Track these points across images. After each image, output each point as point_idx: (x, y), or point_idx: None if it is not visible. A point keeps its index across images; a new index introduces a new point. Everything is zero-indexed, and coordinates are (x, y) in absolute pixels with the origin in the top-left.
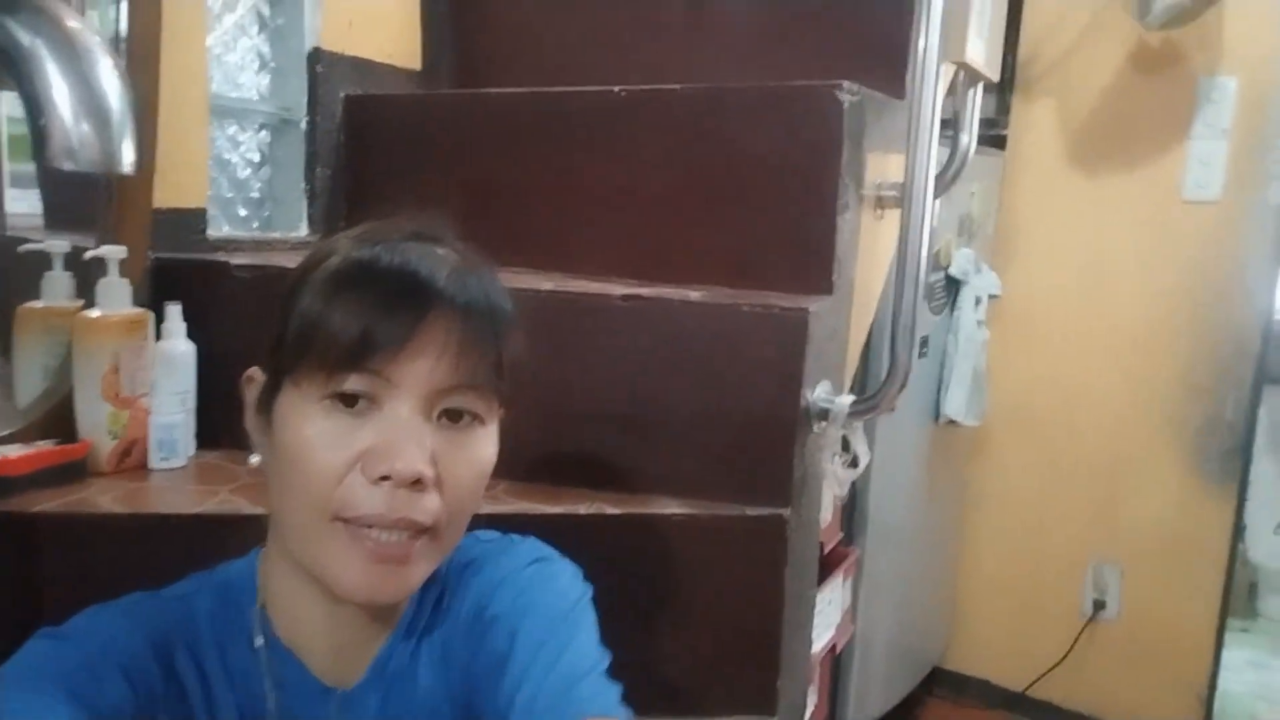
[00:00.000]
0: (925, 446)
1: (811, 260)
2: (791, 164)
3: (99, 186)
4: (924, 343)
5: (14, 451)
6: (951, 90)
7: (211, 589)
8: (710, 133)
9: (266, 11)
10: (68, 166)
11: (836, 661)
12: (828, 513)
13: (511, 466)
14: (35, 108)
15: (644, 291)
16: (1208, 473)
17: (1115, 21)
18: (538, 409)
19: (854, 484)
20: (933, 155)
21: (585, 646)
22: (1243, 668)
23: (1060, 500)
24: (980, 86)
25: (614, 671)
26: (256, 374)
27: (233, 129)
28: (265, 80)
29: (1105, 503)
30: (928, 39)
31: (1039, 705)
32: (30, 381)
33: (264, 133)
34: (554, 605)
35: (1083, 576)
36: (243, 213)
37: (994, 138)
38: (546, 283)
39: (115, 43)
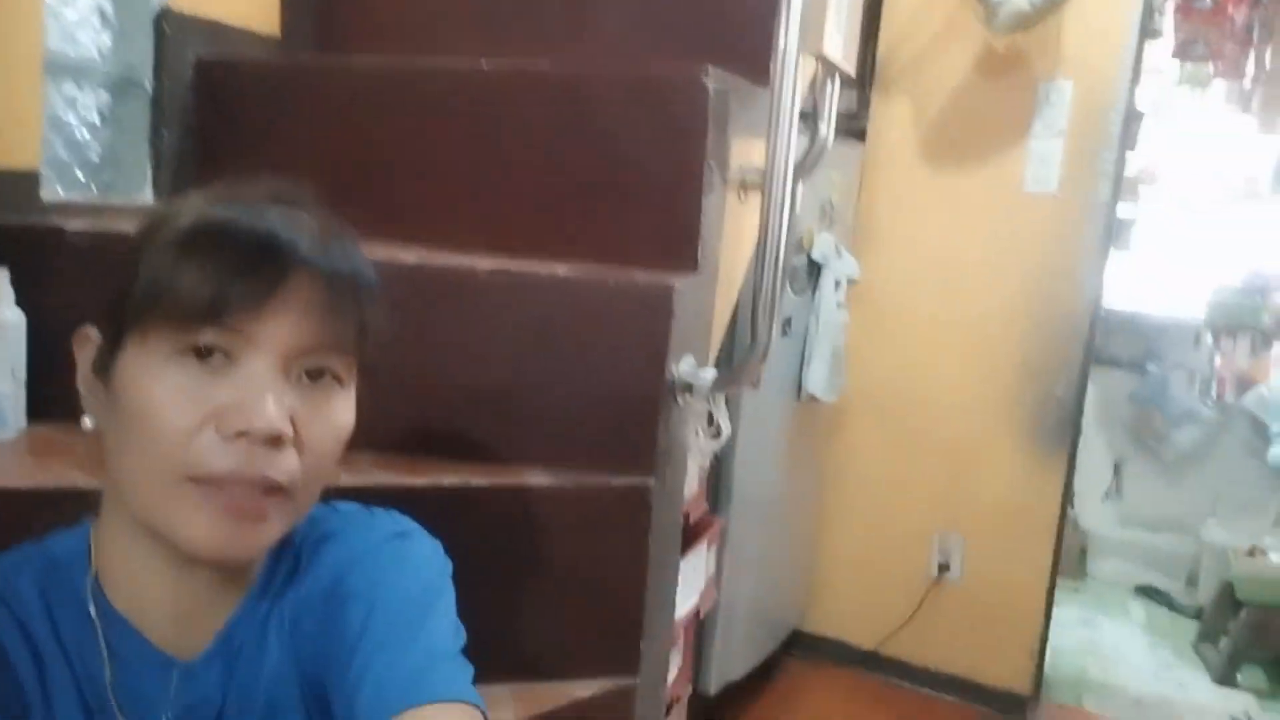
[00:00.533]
0: (788, 422)
1: (677, 239)
2: (659, 146)
3: None
4: (787, 323)
5: None
6: (813, 83)
7: (39, 561)
8: (579, 114)
9: None
10: None
11: (701, 626)
12: (694, 483)
13: (377, 438)
14: None
15: (511, 266)
16: (1041, 446)
17: (965, 26)
18: (404, 382)
19: (721, 456)
20: (792, 143)
21: (440, 628)
22: (1074, 625)
23: (910, 474)
24: (837, 79)
25: (481, 640)
26: (91, 333)
27: (69, 88)
28: (107, 39)
29: (950, 476)
30: (789, 31)
31: (889, 661)
32: None
33: (104, 93)
34: (410, 585)
35: (929, 544)
36: (81, 176)
37: (855, 130)
38: (411, 256)
39: None
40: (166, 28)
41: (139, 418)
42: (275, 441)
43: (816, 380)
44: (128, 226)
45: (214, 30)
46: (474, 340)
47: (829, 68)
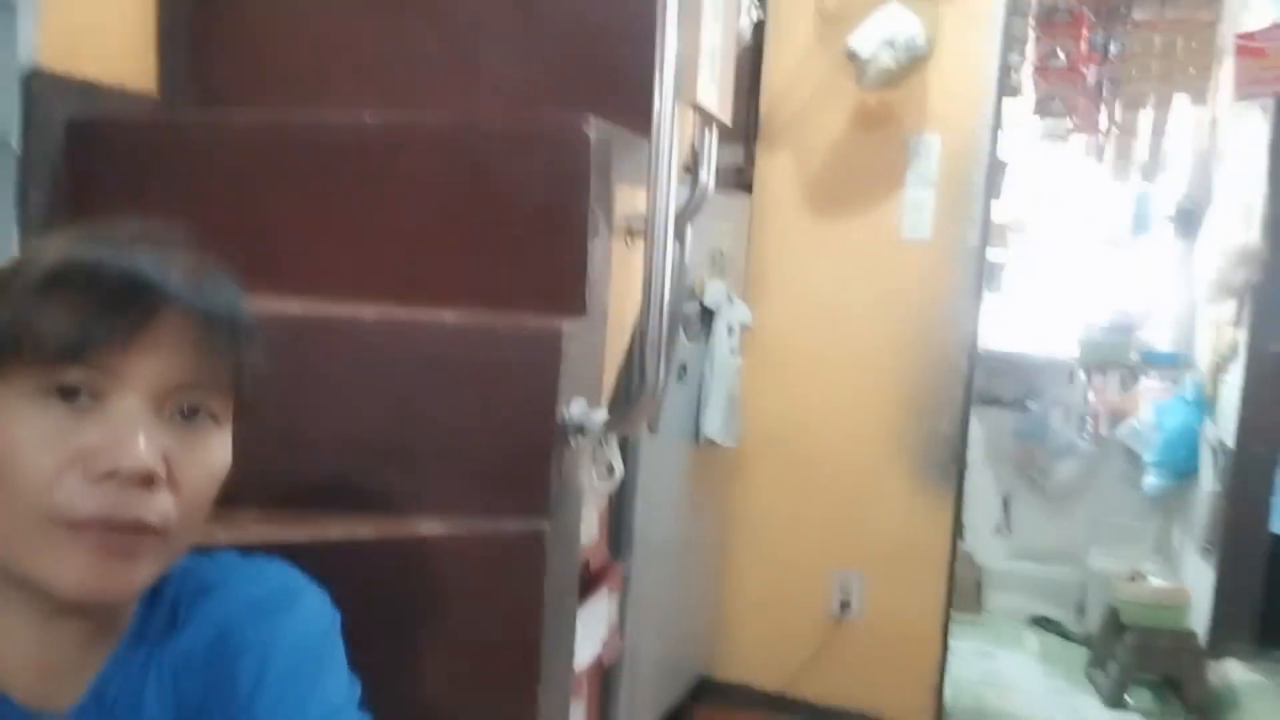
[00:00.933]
0: (688, 467)
1: (564, 284)
2: (543, 194)
3: None
4: (683, 369)
5: None
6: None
7: None
8: (464, 162)
9: None
10: None
11: (605, 676)
12: (593, 529)
13: (260, 493)
14: None
15: (397, 314)
16: (930, 483)
17: (839, 84)
18: (289, 434)
19: (621, 502)
20: (672, 190)
21: (335, 682)
22: (973, 656)
23: (807, 513)
24: (714, 129)
25: (370, 697)
26: None
27: None
28: None
29: (846, 514)
30: (663, 81)
31: (795, 703)
32: None
33: None
34: (302, 638)
35: (830, 582)
36: None
37: (743, 183)
38: (294, 307)
39: None
40: (35, 87)
41: (3, 460)
42: (147, 481)
43: (713, 424)
44: None
45: (86, 89)
46: (361, 389)
47: (706, 117)
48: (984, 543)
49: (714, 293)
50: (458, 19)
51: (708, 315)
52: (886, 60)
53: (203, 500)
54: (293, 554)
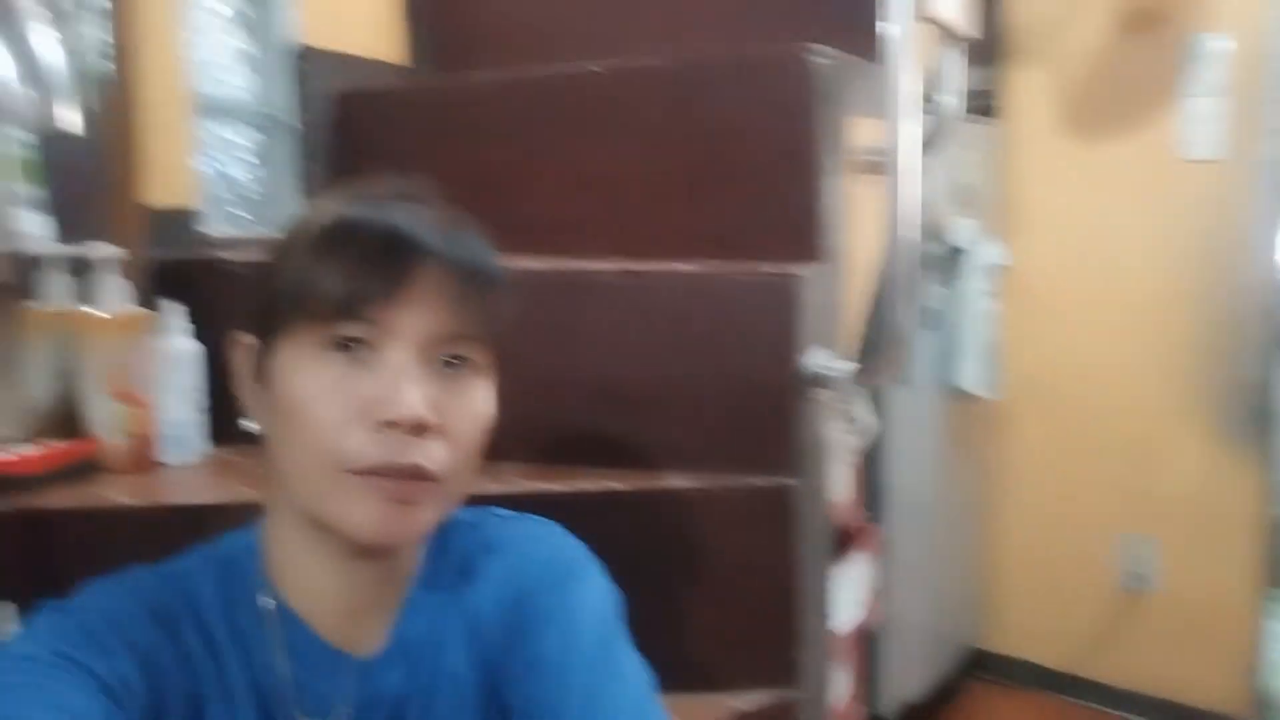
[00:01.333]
0: (943, 422)
1: (797, 228)
2: (768, 132)
3: (95, 192)
4: (931, 315)
5: (28, 450)
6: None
7: (214, 562)
8: (686, 106)
9: (249, 11)
10: (9, 129)
11: (869, 642)
12: (847, 488)
13: (518, 448)
14: None
15: (636, 266)
16: (1232, 437)
17: None
18: (539, 390)
19: (874, 461)
20: (910, 118)
21: (633, 658)
22: None
23: (1085, 473)
24: (963, 46)
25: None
26: (246, 339)
27: (224, 130)
28: (253, 80)
29: (1133, 473)
30: None
31: (1084, 684)
32: (39, 382)
33: (255, 132)
34: (600, 612)
35: (1116, 550)
36: (240, 212)
37: (989, 108)
38: (540, 264)
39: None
40: (304, 65)
41: (294, 413)
42: (420, 429)
43: (968, 375)
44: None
45: (348, 63)
46: (605, 344)
47: (946, 33)
48: None
49: (962, 231)
50: None
51: (955, 256)
52: None
53: (472, 446)
54: (552, 505)
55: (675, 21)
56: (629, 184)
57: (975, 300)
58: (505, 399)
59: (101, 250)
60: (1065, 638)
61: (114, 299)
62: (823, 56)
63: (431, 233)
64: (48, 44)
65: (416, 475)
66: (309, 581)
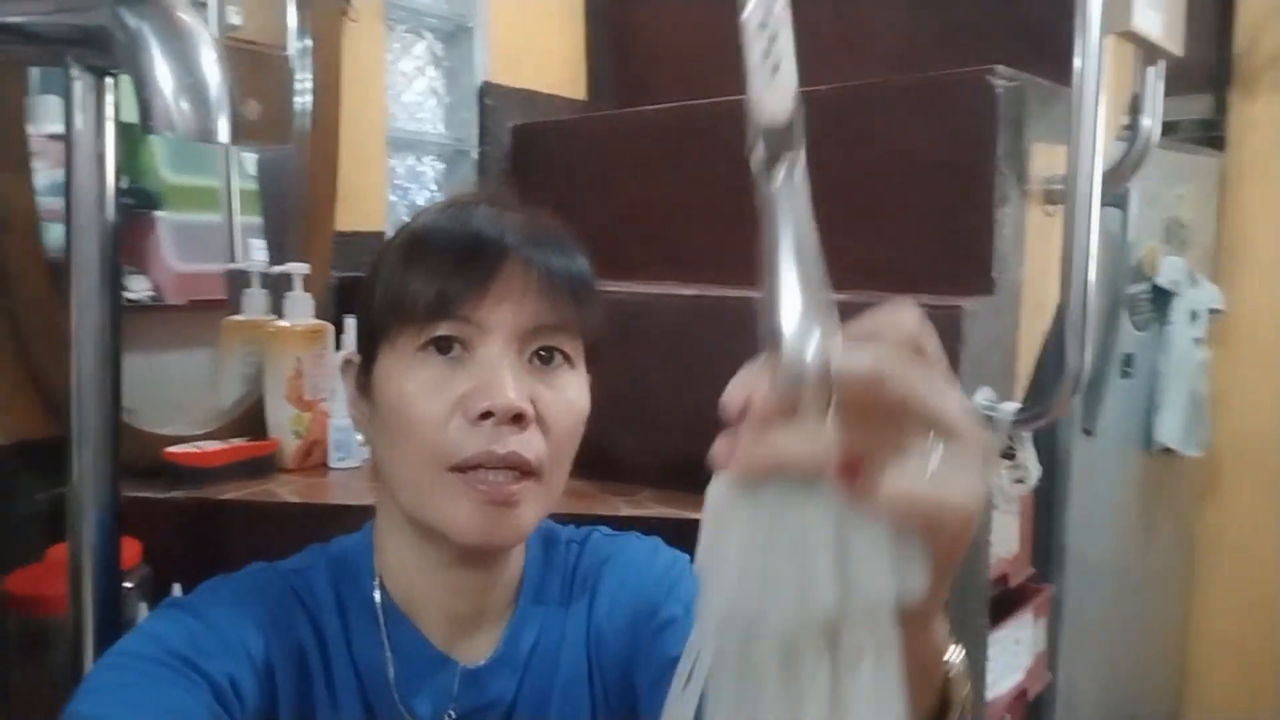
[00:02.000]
0: (1138, 479)
1: (968, 259)
2: (944, 158)
3: (295, 216)
4: (1128, 361)
5: (211, 446)
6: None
7: (328, 560)
8: (857, 132)
9: (440, 51)
10: (167, 134)
11: (1031, 709)
12: (1012, 542)
13: (652, 474)
14: (140, 85)
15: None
16: None
17: None
18: (677, 416)
19: (1051, 514)
20: (1098, 142)
21: None
22: None
23: None
24: (1162, 65)
25: None
26: (353, 357)
27: (411, 160)
28: (440, 114)
29: None
30: (1087, 10)
31: None
32: (230, 386)
33: (439, 162)
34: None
35: None
36: None
37: (1213, 139)
38: (688, 290)
39: (233, 124)
40: (488, 100)
41: (396, 415)
42: (518, 420)
43: (1169, 429)
44: None
45: (529, 98)
46: (731, 373)
47: (1148, 51)
48: None
49: (1170, 270)
50: None
51: (1163, 298)
52: None
53: (569, 439)
54: (681, 531)
55: (857, 49)
56: None
57: (1182, 346)
58: (654, 427)
59: (291, 267)
60: (1268, 717)
61: (297, 310)
62: (1005, 79)
63: (513, 232)
64: (206, 59)
65: (516, 465)
66: (417, 586)
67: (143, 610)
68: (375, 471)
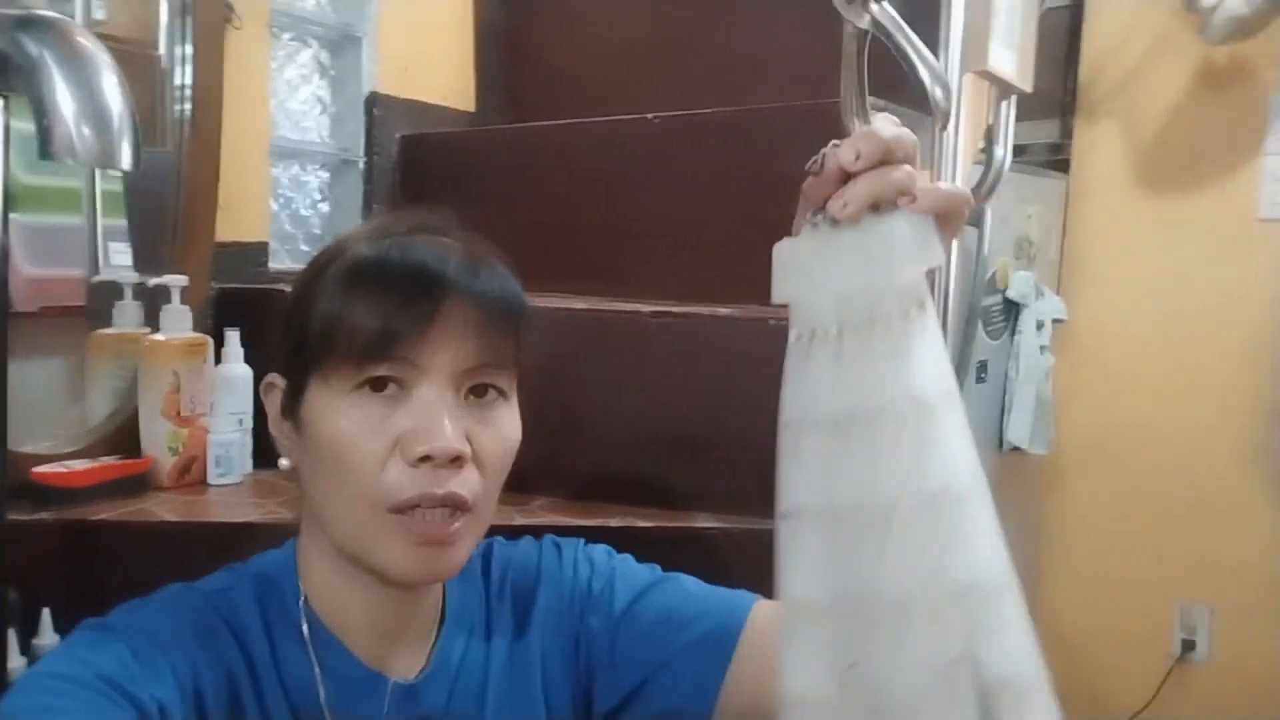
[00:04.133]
0: (991, 476)
1: None
2: None
3: (170, 225)
4: (982, 368)
5: (79, 465)
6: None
7: (251, 580)
8: (742, 153)
9: (326, 60)
10: (69, 162)
11: None
12: None
13: (548, 484)
14: (40, 110)
15: (674, 309)
16: None
17: (1178, 39)
18: (572, 429)
19: None
20: (959, 169)
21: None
22: None
23: (1142, 537)
24: (1013, 100)
25: None
26: (277, 380)
27: (295, 169)
28: (325, 123)
29: (1191, 539)
30: (949, 50)
31: None
32: (100, 402)
33: (324, 172)
34: (627, 561)
35: (1170, 618)
36: (304, 248)
37: (1058, 162)
38: (580, 303)
39: (180, 91)
40: (376, 110)
41: (331, 453)
42: (456, 461)
43: (1019, 430)
44: None
45: (417, 109)
46: (639, 386)
47: (1002, 86)
48: None
49: (1020, 284)
50: (740, 20)
51: (1012, 309)
52: (1237, 5)
53: (501, 472)
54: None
55: (735, 77)
56: (681, 232)
57: (1030, 354)
58: (539, 436)
59: (169, 279)
60: (1111, 706)
61: (175, 323)
62: (876, 109)
63: (457, 268)
64: (108, 85)
65: (454, 504)
66: (343, 607)
67: (10, 639)
68: (301, 494)
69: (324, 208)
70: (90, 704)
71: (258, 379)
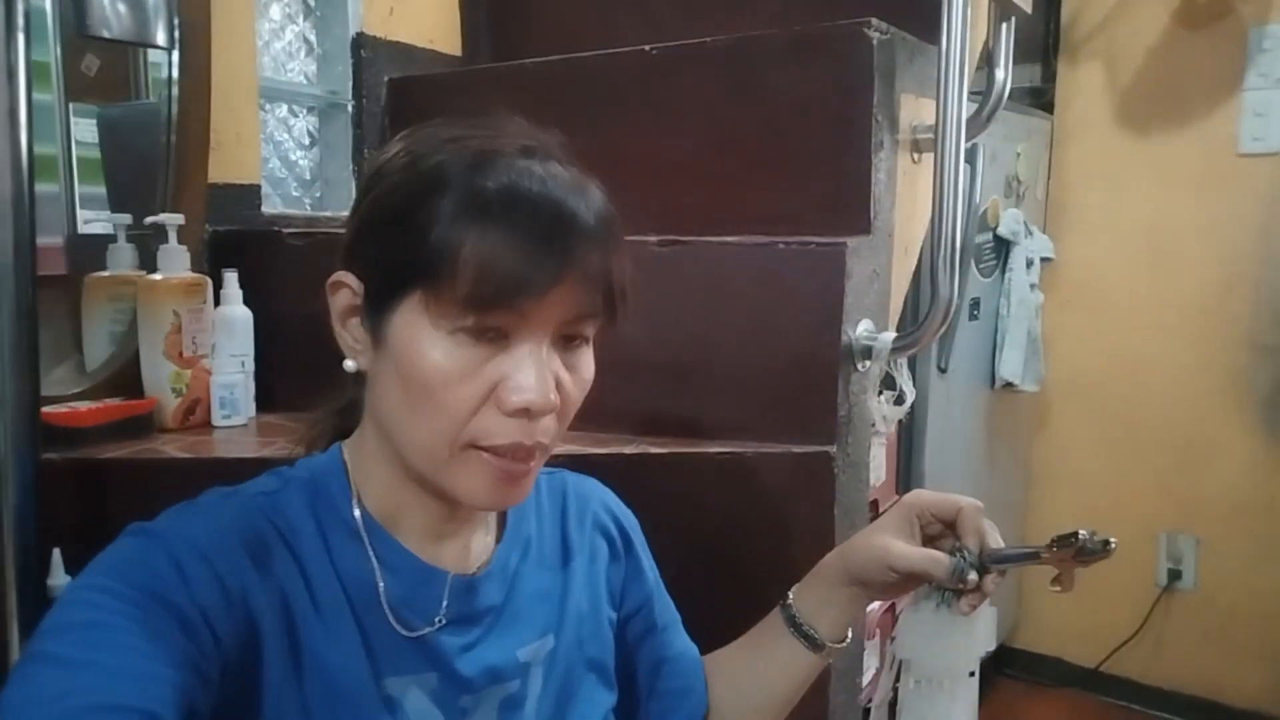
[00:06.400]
0: (983, 413)
1: (847, 201)
2: (824, 107)
3: (163, 167)
4: (975, 305)
5: (84, 405)
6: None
7: (298, 484)
8: (741, 82)
9: (313, 1)
10: (104, 34)
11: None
12: (882, 469)
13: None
14: None
15: (680, 239)
16: None
17: None
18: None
19: (910, 446)
20: (963, 93)
21: None
22: None
23: (1128, 469)
24: (1013, 21)
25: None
26: (348, 279)
27: (283, 112)
28: (312, 66)
29: (1176, 471)
30: None
31: (1115, 681)
32: (98, 346)
33: (313, 116)
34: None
35: (1155, 548)
36: (295, 192)
37: (1042, 104)
38: None
39: (169, 29)
40: (364, 52)
41: (422, 385)
42: (549, 414)
43: (1011, 366)
44: (334, 232)
45: (404, 52)
46: (649, 316)
47: (1002, 7)
48: None
49: (1010, 221)
50: None
51: (1002, 246)
52: None
53: (576, 409)
54: (592, 467)
55: (729, 10)
56: (681, 163)
57: (1021, 291)
58: None
59: (165, 218)
60: (1098, 635)
61: (173, 263)
62: (880, 31)
63: (588, 213)
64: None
65: (535, 450)
66: (400, 509)
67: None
68: (368, 398)
69: (315, 153)
70: (130, 617)
71: (258, 322)
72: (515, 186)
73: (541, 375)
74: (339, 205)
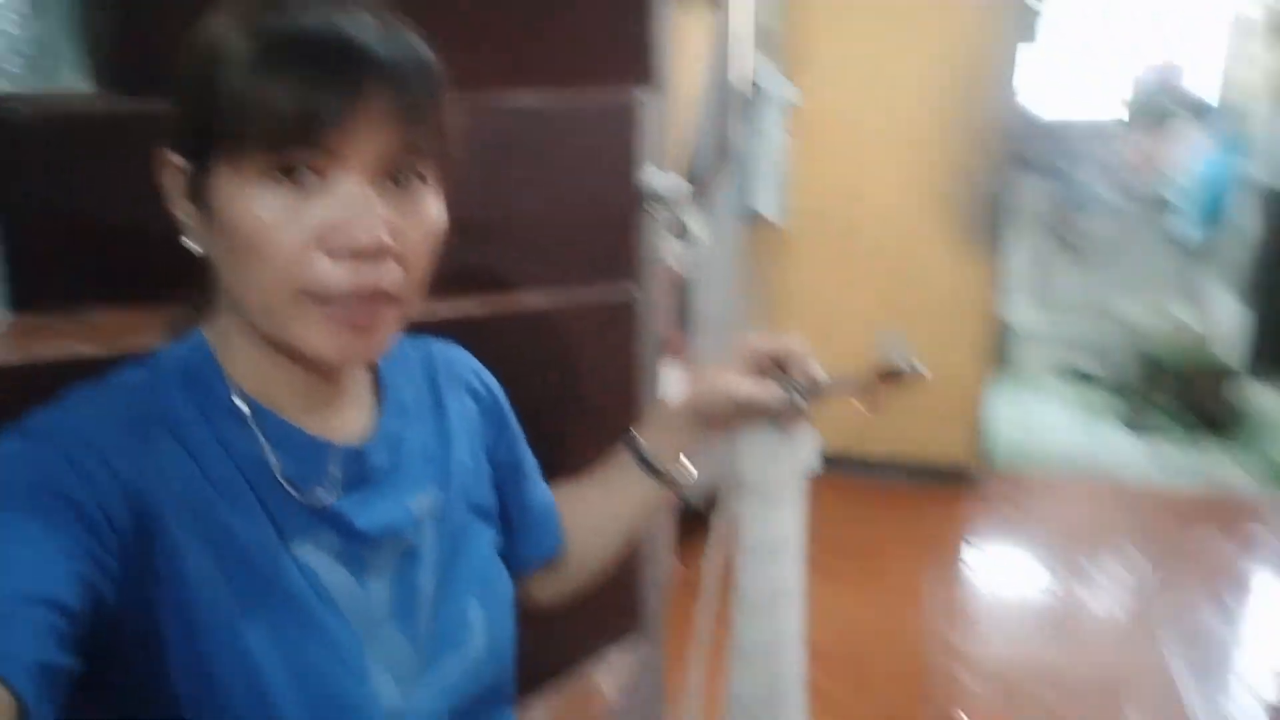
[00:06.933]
0: (739, 247)
1: (633, 55)
2: None
3: None
4: (733, 149)
5: None
6: None
7: (169, 373)
8: None
9: None
10: None
11: None
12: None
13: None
14: None
15: (476, 94)
16: (973, 242)
17: None
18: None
19: (685, 280)
20: None
21: None
22: (1008, 406)
23: (854, 285)
24: None
25: None
26: (172, 158)
27: None
28: None
29: (893, 283)
30: None
31: (850, 460)
32: None
33: None
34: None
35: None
36: (17, 70)
37: None
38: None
39: None
40: None
41: (247, 242)
42: (381, 254)
43: (765, 201)
44: (76, 111)
45: None
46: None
47: None
48: (1019, 304)
49: (762, 72)
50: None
51: (756, 95)
52: None
53: (426, 259)
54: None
55: None
56: (460, 15)
57: (773, 134)
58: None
59: None
60: (837, 424)
61: None
62: None
63: (380, 42)
64: None
65: (378, 298)
66: (273, 384)
67: None
68: (216, 278)
69: (34, 25)
70: (28, 511)
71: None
72: (295, 24)
73: (363, 213)
74: (68, 81)
